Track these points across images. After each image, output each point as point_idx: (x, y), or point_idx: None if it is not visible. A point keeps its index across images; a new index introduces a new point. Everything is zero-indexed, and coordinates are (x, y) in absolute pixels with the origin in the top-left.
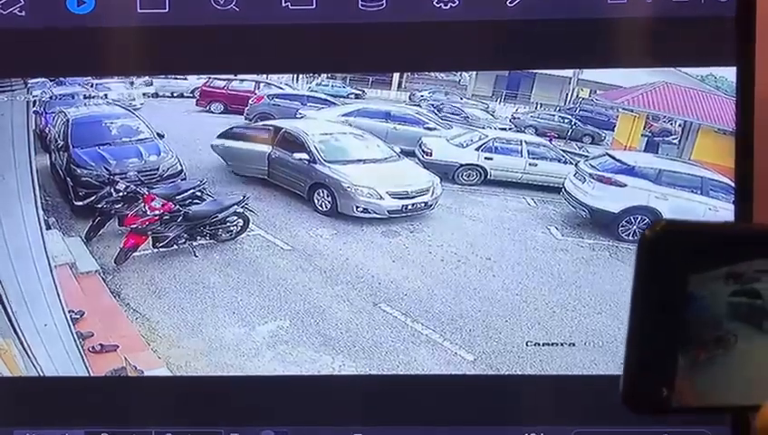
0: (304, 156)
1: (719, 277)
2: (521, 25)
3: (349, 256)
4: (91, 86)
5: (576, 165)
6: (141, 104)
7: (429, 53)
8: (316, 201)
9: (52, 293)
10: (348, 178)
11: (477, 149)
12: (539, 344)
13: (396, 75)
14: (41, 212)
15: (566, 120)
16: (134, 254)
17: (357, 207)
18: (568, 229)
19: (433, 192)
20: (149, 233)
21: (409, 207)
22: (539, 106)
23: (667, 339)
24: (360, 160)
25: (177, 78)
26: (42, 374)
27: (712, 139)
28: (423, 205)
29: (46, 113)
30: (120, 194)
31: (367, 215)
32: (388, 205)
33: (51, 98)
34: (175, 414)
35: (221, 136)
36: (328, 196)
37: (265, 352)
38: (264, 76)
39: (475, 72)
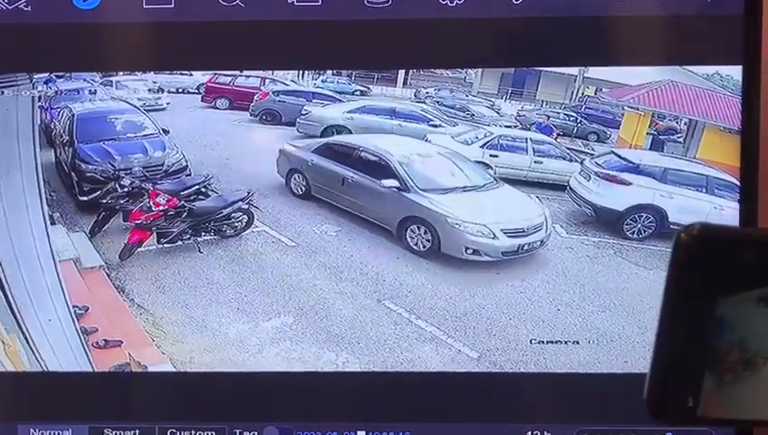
0: (393, 183)
1: (749, 300)
2: (527, 23)
3: (353, 252)
4: (111, 85)
5: (581, 163)
6: (168, 104)
7: (435, 50)
8: (409, 239)
9: (57, 288)
10: (453, 213)
11: (482, 147)
12: (543, 342)
13: (401, 72)
14: (45, 207)
15: (571, 118)
16: (138, 249)
17: (466, 249)
18: (573, 227)
19: (546, 227)
20: (154, 228)
21: (525, 247)
22: (544, 104)
23: (696, 351)
24: (457, 188)
25: (182, 74)
26: (46, 369)
27: (717, 137)
28: (539, 243)
29: (51, 108)
30: (125, 189)
31: (477, 257)
32: (502, 245)
33: (56, 93)
34: (178, 410)
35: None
36: (426, 233)
37: (269, 349)
38: (270, 72)
39: (480, 70)
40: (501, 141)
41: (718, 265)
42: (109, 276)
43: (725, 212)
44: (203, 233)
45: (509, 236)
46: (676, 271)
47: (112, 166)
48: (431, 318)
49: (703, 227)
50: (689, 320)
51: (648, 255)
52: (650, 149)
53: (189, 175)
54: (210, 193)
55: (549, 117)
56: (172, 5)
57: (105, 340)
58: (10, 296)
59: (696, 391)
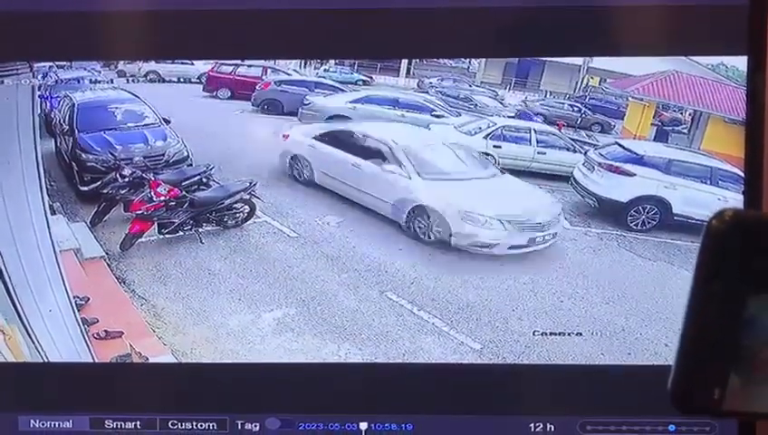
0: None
1: None
2: (531, 12)
3: (355, 243)
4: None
5: (585, 154)
6: None
7: (438, 40)
8: (418, 229)
9: (57, 278)
10: (462, 203)
11: (486, 137)
12: (546, 334)
13: (404, 62)
14: (46, 197)
15: (575, 109)
16: (139, 240)
17: (475, 243)
18: (576, 218)
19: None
20: (155, 219)
21: (537, 240)
22: (548, 94)
23: (724, 346)
24: (464, 178)
25: (183, 63)
26: (46, 360)
27: (722, 128)
28: (551, 236)
29: (51, 97)
30: (126, 179)
31: (485, 250)
32: (512, 239)
33: (56, 82)
34: (179, 401)
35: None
36: (436, 223)
37: (271, 340)
38: (272, 62)
39: (484, 60)
40: (504, 132)
41: (752, 256)
42: (109, 267)
43: (730, 204)
44: (204, 223)
45: (520, 229)
46: (705, 260)
47: (113, 156)
48: (433, 309)
49: (736, 213)
50: (718, 313)
51: (652, 246)
52: (654, 139)
53: (191, 165)
54: (211, 183)
55: (556, 120)
56: None
57: (106, 331)
58: (10, 287)
59: (723, 385)
